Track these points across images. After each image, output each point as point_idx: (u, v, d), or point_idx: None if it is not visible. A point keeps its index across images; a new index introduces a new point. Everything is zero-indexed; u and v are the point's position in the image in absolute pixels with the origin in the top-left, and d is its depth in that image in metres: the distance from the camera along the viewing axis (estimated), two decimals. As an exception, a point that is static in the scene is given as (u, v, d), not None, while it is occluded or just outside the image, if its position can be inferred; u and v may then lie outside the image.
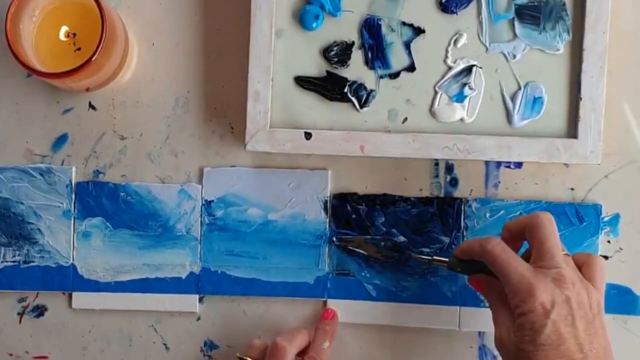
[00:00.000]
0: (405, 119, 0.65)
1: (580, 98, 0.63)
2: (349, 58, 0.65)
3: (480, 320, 0.66)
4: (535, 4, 0.64)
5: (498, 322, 0.57)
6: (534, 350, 0.53)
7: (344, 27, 0.65)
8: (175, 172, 0.68)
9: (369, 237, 0.66)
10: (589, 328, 0.54)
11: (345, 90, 0.65)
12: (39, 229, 0.68)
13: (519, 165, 0.66)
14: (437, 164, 0.67)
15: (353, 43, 0.65)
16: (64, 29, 0.64)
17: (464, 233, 0.66)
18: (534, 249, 0.57)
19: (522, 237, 0.60)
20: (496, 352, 0.66)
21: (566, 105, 0.64)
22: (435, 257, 0.62)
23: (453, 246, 0.66)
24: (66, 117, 0.68)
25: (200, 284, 0.67)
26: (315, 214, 0.67)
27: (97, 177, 0.68)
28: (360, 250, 0.66)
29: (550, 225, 0.57)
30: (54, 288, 0.68)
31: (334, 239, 0.66)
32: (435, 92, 0.65)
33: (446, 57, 0.65)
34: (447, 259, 0.62)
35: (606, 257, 0.66)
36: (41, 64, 0.63)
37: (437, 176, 0.67)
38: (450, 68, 0.65)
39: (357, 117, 0.65)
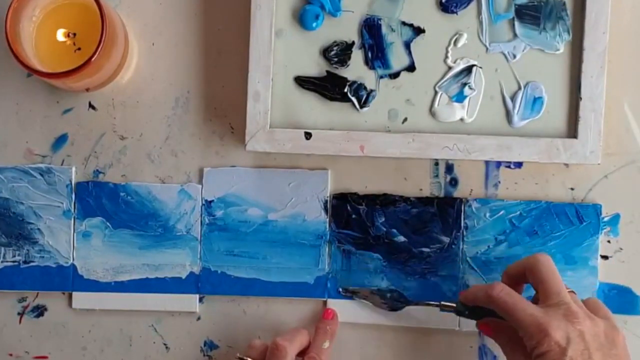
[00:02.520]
0: (405, 119, 0.65)
1: (580, 98, 0.63)
2: (349, 58, 0.65)
3: (480, 320, 0.66)
4: (535, 4, 0.64)
5: None
6: None
7: (344, 27, 0.65)
8: (175, 172, 0.68)
9: (375, 288, 0.66)
10: (606, 358, 0.54)
11: (345, 90, 0.65)
12: (39, 229, 0.68)
13: (519, 165, 0.66)
14: (437, 164, 0.67)
15: (353, 43, 0.65)
16: (62, 30, 0.64)
17: (464, 233, 0.66)
18: (538, 289, 0.58)
19: (523, 280, 0.60)
20: (496, 352, 0.66)
21: (566, 105, 0.64)
22: (442, 303, 0.63)
23: (453, 246, 0.66)
24: (66, 117, 0.68)
25: (200, 284, 0.67)
26: (315, 214, 0.67)
27: (97, 177, 0.68)
28: (367, 302, 0.66)
29: (549, 264, 0.58)
30: (54, 288, 0.68)
31: (340, 289, 0.66)
32: (435, 92, 0.65)
33: (446, 57, 0.65)
34: (454, 304, 0.62)
35: (606, 257, 0.66)
36: (41, 64, 0.63)
37: (437, 176, 0.67)
38: (450, 68, 0.65)
39: (357, 117, 0.65)
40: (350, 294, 0.66)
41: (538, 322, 0.55)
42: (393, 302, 0.66)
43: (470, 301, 0.61)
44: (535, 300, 0.58)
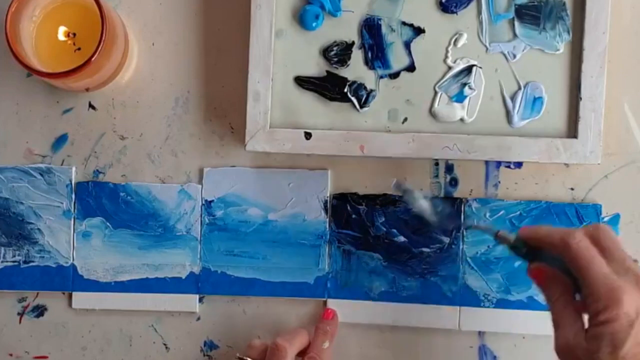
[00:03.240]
0: (405, 119, 0.65)
1: (580, 98, 0.63)
2: (349, 58, 0.65)
3: (480, 320, 0.66)
4: (535, 4, 0.64)
5: (562, 324, 0.52)
6: None
7: (344, 27, 0.65)
8: (175, 172, 0.68)
9: (432, 196, 0.62)
10: None
11: (345, 90, 0.65)
12: (39, 229, 0.68)
13: (519, 165, 0.66)
14: (437, 164, 0.67)
15: (353, 43, 0.65)
16: (63, 29, 0.64)
17: (464, 233, 0.66)
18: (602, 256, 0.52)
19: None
20: (496, 352, 0.66)
21: (566, 105, 0.64)
22: (501, 233, 0.57)
23: (453, 246, 0.66)
24: (66, 117, 0.68)
25: (200, 284, 0.67)
26: (315, 214, 0.67)
27: (97, 177, 0.68)
28: (415, 208, 0.62)
29: (613, 232, 0.53)
30: (54, 288, 0.68)
31: (395, 180, 0.62)
32: (435, 92, 0.65)
33: (446, 57, 0.65)
34: (512, 238, 0.56)
35: (606, 257, 0.66)
36: (41, 64, 0.63)
37: (437, 176, 0.67)
38: (450, 68, 0.65)
39: (357, 117, 0.65)
40: (402, 192, 0.63)
41: (612, 286, 0.49)
42: (442, 218, 0.63)
43: (537, 241, 0.55)
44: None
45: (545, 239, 0.54)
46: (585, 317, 0.51)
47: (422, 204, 0.62)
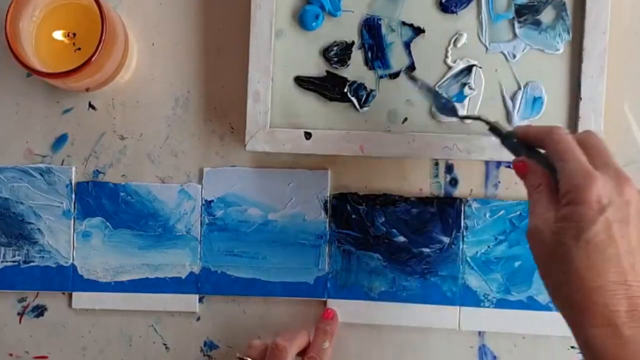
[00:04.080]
0: (405, 119, 0.65)
1: (580, 98, 0.63)
2: (349, 58, 0.65)
3: (480, 320, 0.66)
4: (535, 4, 0.64)
5: (535, 212, 0.51)
6: (575, 245, 0.47)
7: (344, 27, 0.65)
8: (175, 172, 0.68)
9: (436, 89, 0.62)
10: None
11: (345, 90, 0.65)
12: (39, 229, 0.68)
13: (519, 165, 0.66)
14: (437, 164, 0.67)
15: (353, 43, 0.65)
16: (62, 31, 0.64)
17: (464, 233, 0.66)
18: (587, 154, 0.52)
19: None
20: (496, 352, 0.66)
21: (566, 105, 0.64)
22: (494, 123, 0.57)
23: (453, 246, 0.66)
24: (66, 117, 0.68)
25: (200, 284, 0.67)
26: (315, 214, 0.67)
27: (97, 177, 0.68)
28: (421, 93, 0.62)
29: (598, 136, 0.53)
30: (54, 288, 0.68)
31: (403, 69, 0.62)
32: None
33: (446, 57, 0.65)
34: (503, 129, 0.57)
35: (606, 257, 0.66)
36: (41, 64, 0.63)
37: (437, 176, 0.67)
38: (450, 68, 0.65)
39: (357, 117, 0.65)
40: (411, 79, 0.63)
41: (587, 171, 0.48)
42: (443, 107, 0.62)
43: (527, 134, 0.55)
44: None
45: (533, 132, 0.54)
46: None
47: (427, 93, 0.62)
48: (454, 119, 0.63)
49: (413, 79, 0.63)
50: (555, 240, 0.48)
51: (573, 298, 0.48)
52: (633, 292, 0.47)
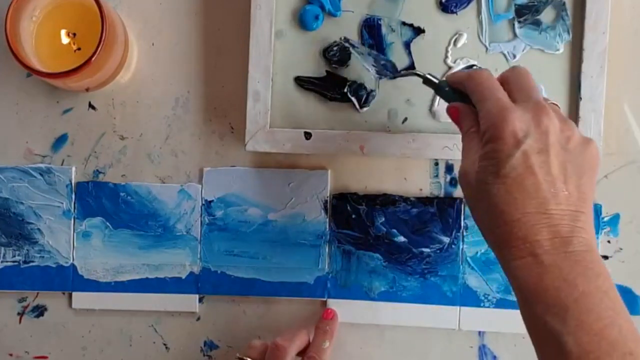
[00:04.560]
0: (405, 119, 0.65)
1: (580, 98, 0.63)
2: (349, 58, 0.65)
3: (480, 320, 0.66)
4: (535, 4, 0.64)
5: (465, 154, 0.51)
6: (495, 182, 0.47)
7: (344, 27, 0.65)
8: (175, 172, 0.68)
9: (376, 53, 0.62)
10: (566, 167, 0.48)
11: (345, 90, 0.65)
12: (39, 229, 0.68)
13: (519, 165, 0.66)
14: (437, 164, 0.67)
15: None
16: (63, 31, 0.64)
17: (464, 233, 0.66)
18: (511, 91, 0.51)
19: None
20: (496, 352, 0.66)
21: (566, 105, 0.64)
22: (427, 75, 0.57)
23: (453, 246, 0.66)
24: (66, 117, 0.68)
25: (200, 284, 0.67)
26: (315, 214, 0.67)
27: (97, 177, 0.68)
28: (360, 59, 0.62)
29: (528, 73, 0.52)
30: (54, 288, 0.68)
31: (342, 38, 0.62)
32: (435, 92, 0.65)
33: (446, 57, 0.65)
34: (437, 79, 0.57)
35: (606, 257, 0.66)
36: (41, 64, 0.63)
37: (437, 176, 0.67)
38: (450, 68, 0.65)
39: (357, 117, 0.65)
40: (348, 44, 0.63)
41: (502, 106, 0.48)
42: (383, 69, 0.62)
43: (454, 80, 0.55)
44: None
45: (458, 77, 0.54)
46: None
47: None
48: (395, 78, 0.62)
49: (353, 46, 0.63)
50: (478, 180, 0.48)
51: (497, 234, 0.48)
52: (554, 220, 0.47)
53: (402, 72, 0.61)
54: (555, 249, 0.46)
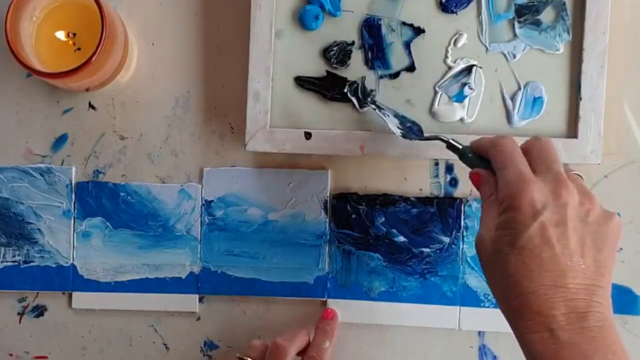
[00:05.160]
0: (405, 119, 0.65)
1: (580, 98, 0.63)
2: (349, 58, 0.65)
3: (480, 320, 0.66)
4: (535, 4, 0.64)
5: (483, 221, 0.51)
6: (511, 252, 0.47)
7: (344, 27, 0.65)
8: (175, 172, 0.68)
9: (401, 114, 0.63)
10: (585, 241, 0.47)
11: (345, 90, 0.65)
12: (39, 229, 0.68)
13: (519, 165, 0.66)
14: (437, 164, 0.67)
15: (353, 43, 0.65)
16: (62, 31, 0.64)
17: (464, 233, 0.66)
18: (531, 162, 0.52)
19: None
20: (496, 352, 0.66)
21: (566, 105, 0.64)
22: (452, 140, 0.58)
23: (453, 246, 0.66)
24: (66, 117, 0.68)
25: (200, 284, 0.67)
26: (315, 214, 0.67)
27: (97, 177, 0.68)
28: (384, 120, 0.62)
29: (550, 142, 0.53)
30: (54, 288, 0.68)
31: (369, 99, 0.62)
32: (435, 92, 0.65)
33: (446, 57, 0.65)
34: (461, 145, 0.58)
35: (606, 257, 0.66)
36: (41, 64, 0.63)
37: (437, 176, 0.67)
38: (450, 68, 0.65)
39: (357, 117, 0.65)
40: (375, 107, 0.63)
41: (522, 178, 0.49)
42: (408, 131, 0.62)
43: (477, 147, 0.56)
44: None
45: (482, 144, 0.55)
46: None
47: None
48: (421, 141, 0.63)
49: (379, 107, 0.63)
50: (495, 248, 0.48)
51: (511, 304, 0.48)
52: (570, 294, 0.47)
53: (427, 136, 0.61)
54: (571, 325, 0.46)
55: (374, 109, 0.63)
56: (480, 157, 0.56)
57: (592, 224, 0.48)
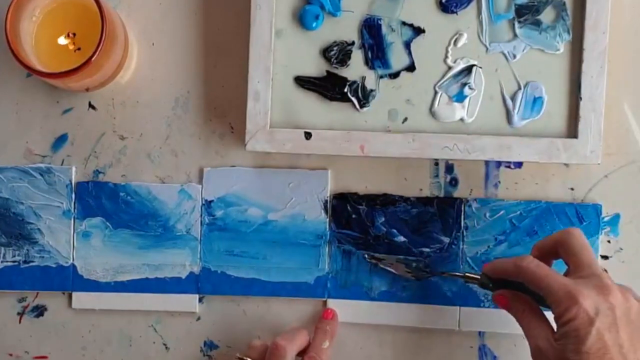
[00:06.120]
0: (405, 119, 0.65)
1: (580, 98, 0.63)
2: (349, 58, 0.65)
3: (480, 320, 0.66)
4: (535, 4, 0.64)
5: (533, 334, 0.56)
6: (578, 359, 0.52)
7: (344, 27, 0.65)
8: (175, 172, 0.68)
9: (402, 257, 0.66)
10: (633, 337, 0.53)
11: (345, 90, 0.65)
12: (39, 229, 0.68)
13: (519, 165, 0.66)
14: (437, 164, 0.67)
15: (353, 43, 0.65)
16: (62, 32, 0.64)
17: (464, 233, 0.66)
18: (569, 262, 0.57)
19: (554, 255, 0.60)
20: (496, 352, 0.66)
21: (566, 105, 0.64)
22: (467, 274, 0.62)
23: (453, 246, 0.66)
24: (66, 117, 0.68)
25: (200, 284, 0.67)
26: (315, 214, 0.67)
27: (97, 177, 0.68)
28: (391, 270, 0.66)
29: (581, 237, 0.57)
30: (54, 288, 0.68)
31: (365, 255, 0.66)
32: (435, 92, 0.65)
33: (446, 57, 0.65)
34: (478, 276, 0.61)
35: (606, 257, 0.66)
36: (41, 64, 0.63)
37: (437, 176, 0.67)
38: (450, 68, 0.65)
39: (357, 117, 0.65)
40: (375, 261, 0.66)
41: (568, 289, 0.53)
42: (418, 271, 0.65)
43: (497, 273, 0.60)
44: (566, 275, 0.57)
45: (502, 270, 0.60)
46: (554, 325, 0.55)
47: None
48: (430, 276, 0.66)
49: (380, 260, 0.66)
50: (560, 357, 0.53)
51: None
52: None
53: (438, 272, 0.65)
54: None
55: (376, 264, 0.66)
56: (499, 280, 0.60)
57: (635, 321, 0.54)
